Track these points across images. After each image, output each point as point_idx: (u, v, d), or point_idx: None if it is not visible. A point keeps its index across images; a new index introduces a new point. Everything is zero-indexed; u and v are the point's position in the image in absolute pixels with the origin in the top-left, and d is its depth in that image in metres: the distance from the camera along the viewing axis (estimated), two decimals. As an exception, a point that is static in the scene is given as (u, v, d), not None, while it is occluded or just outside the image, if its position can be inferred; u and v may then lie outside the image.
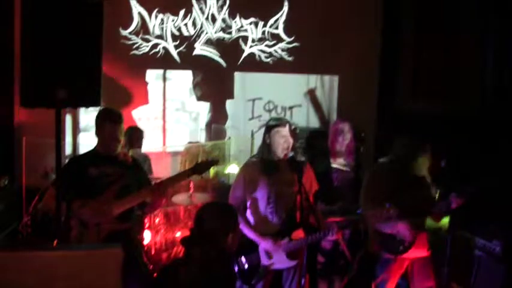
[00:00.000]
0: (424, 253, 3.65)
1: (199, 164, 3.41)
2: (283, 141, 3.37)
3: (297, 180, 3.24)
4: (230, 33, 6.24)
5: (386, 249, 3.57)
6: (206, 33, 6.17)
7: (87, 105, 3.05)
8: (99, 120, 3.30)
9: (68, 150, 5.58)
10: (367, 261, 3.74)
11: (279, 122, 3.43)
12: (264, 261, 3.36)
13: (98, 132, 3.32)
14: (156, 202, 3.43)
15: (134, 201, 3.28)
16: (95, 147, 3.36)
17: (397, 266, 3.59)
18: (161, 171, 5.24)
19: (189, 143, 6.07)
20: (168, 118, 6.21)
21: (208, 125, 6.36)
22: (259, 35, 6.32)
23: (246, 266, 3.34)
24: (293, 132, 3.50)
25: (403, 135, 3.76)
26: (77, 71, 2.74)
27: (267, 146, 3.42)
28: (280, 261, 3.38)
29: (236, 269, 3.32)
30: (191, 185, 4.75)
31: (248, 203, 3.46)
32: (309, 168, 3.54)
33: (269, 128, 3.42)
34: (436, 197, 4.19)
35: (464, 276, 4.13)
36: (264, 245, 3.35)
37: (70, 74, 2.72)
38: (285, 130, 3.39)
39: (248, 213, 3.49)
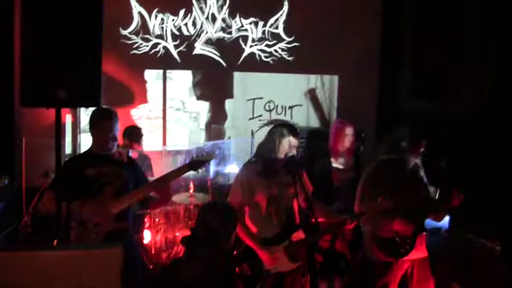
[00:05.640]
0: (423, 254, 3.62)
1: (195, 160, 3.39)
2: (289, 149, 3.38)
3: (294, 182, 3.23)
4: (230, 33, 6.25)
5: (387, 254, 3.53)
6: (206, 32, 6.17)
7: (87, 105, 3.05)
8: (95, 118, 3.28)
9: (68, 150, 5.57)
10: (366, 264, 3.70)
11: (293, 132, 3.41)
12: (267, 266, 3.32)
13: (94, 131, 3.29)
14: (164, 196, 3.41)
15: (135, 198, 3.26)
16: (90, 148, 3.34)
17: (398, 268, 3.56)
18: (161, 170, 5.23)
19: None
20: (168, 118, 6.21)
21: (208, 125, 6.37)
22: (259, 35, 6.32)
23: (249, 272, 3.31)
24: (297, 138, 3.48)
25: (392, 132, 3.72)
26: (77, 71, 2.73)
27: (271, 146, 3.40)
28: (283, 264, 3.37)
29: (240, 275, 3.28)
30: (191, 184, 4.76)
31: (248, 207, 3.44)
32: (304, 171, 3.54)
33: (282, 132, 3.39)
34: (436, 197, 4.19)
35: (464, 276, 4.12)
36: (261, 256, 3.29)
37: (70, 73, 2.72)
38: (295, 140, 3.39)
39: (248, 218, 3.45)
